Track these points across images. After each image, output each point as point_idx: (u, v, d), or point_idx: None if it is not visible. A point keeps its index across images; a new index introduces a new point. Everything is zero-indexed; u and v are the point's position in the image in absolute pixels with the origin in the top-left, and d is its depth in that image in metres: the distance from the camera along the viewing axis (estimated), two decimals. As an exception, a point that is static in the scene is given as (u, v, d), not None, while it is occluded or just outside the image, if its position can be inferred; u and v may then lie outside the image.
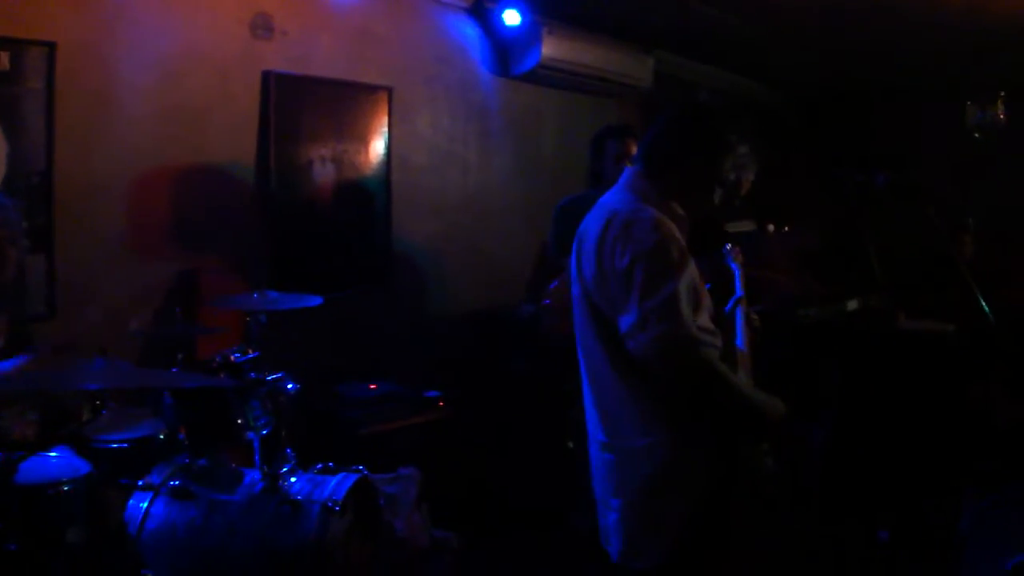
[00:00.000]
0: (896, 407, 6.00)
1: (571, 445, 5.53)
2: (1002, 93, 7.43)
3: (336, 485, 3.41)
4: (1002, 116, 7.41)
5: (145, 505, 3.43)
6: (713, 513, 2.86)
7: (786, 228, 5.30)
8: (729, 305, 3.30)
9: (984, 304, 5.43)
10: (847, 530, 5.45)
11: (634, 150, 5.24)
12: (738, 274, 3.50)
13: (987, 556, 3.96)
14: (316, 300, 4.14)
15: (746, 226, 6.06)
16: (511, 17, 6.38)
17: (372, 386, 5.42)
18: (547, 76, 6.82)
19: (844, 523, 5.52)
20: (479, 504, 5.23)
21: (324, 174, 5.65)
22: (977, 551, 4.04)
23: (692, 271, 2.81)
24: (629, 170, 2.99)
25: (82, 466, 3.25)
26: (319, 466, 3.67)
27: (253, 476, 3.63)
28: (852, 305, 6.62)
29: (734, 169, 2.95)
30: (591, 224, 2.90)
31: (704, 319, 2.85)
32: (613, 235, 2.76)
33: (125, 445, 3.70)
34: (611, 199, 2.94)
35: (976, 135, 7.55)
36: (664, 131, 2.96)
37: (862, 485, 5.77)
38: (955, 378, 6.05)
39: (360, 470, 3.61)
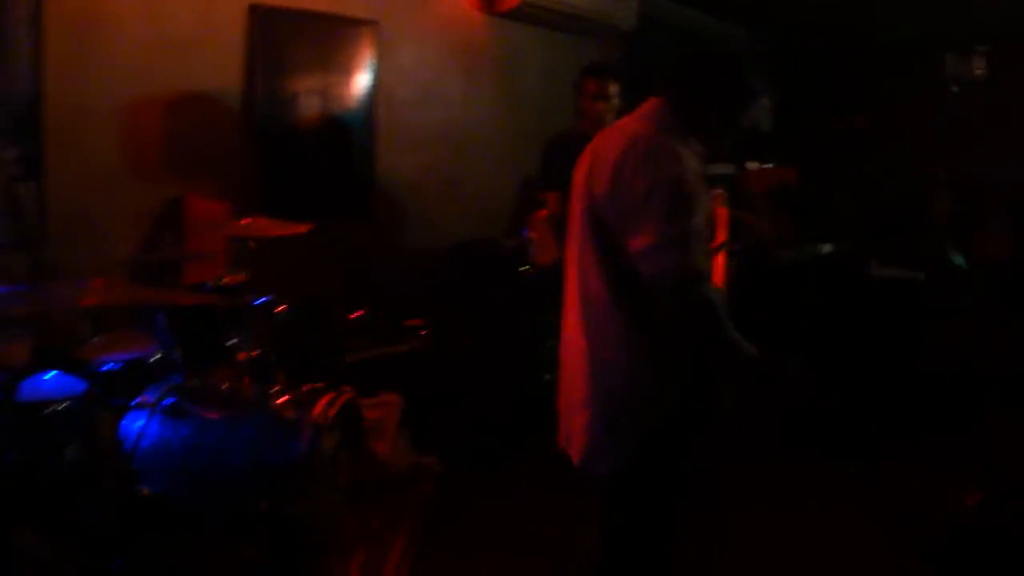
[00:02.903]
0: (865, 347, 6.15)
1: (548, 378, 5.67)
2: (981, 47, 7.50)
3: (326, 404, 3.50)
4: (980, 70, 7.48)
5: (140, 424, 3.49)
6: (673, 431, 3.04)
7: (768, 165, 5.42)
8: (713, 247, 3.43)
9: (952, 255, 5.58)
10: (814, 465, 5.62)
11: (612, 89, 5.36)
12: (723, 217, 3.61)
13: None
14: (305, 226, 4.22)
15: (725, 168, 6.15)
16: (496, -47, 6.41)
17: (355, 314, 5.50)
18: (530, 14, 6.85)
19: (812, 458, 5.70)
20: (458, 431, 5.34)
21: (309, 106, 5.70)
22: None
23: (706, 206, 2.95)
24: (654, 100, 3.10)
25: (78, 386, 3.35)
26: (308, 387, 3.76)
27: (244, 395, 3.73)
28: (826, 249, 6.75)
29: (752, 117, 3.10)
30: (607, 145, 2.99)
31: (704, 250, 2.98)
32: (635, 159, 2.86)
33: (119, 366, 3.79)
34: (632, 125, 3.04)
35: (954, 88, 7.63)
36: (696, 72, 3.07)
37: (831, 421, 5.93)
38: (924, 320, 6.19)
39: (348, 391, 3.70)
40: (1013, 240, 6.35)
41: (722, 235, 3.52)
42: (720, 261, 3.43)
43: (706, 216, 2.96)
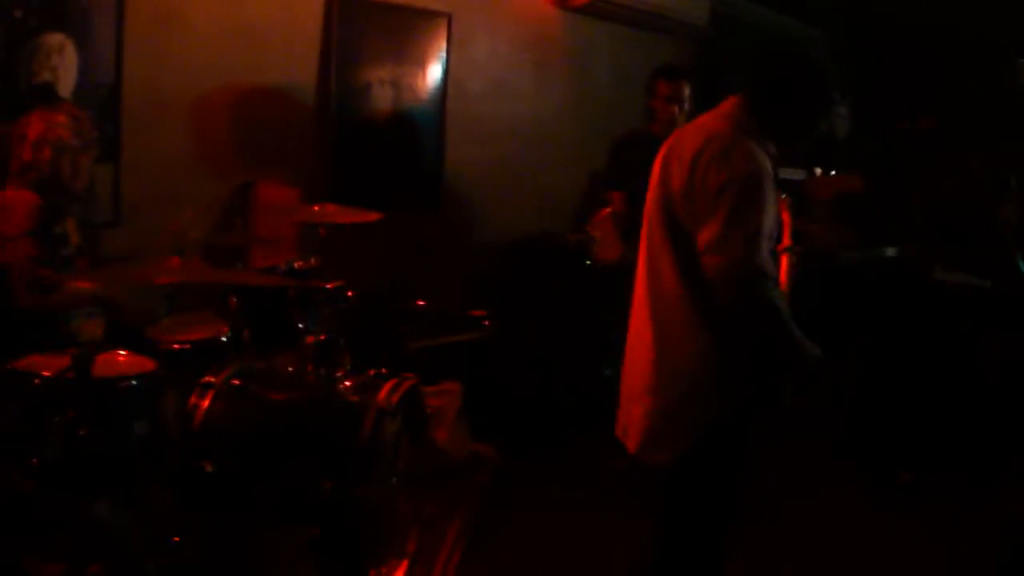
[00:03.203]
0: (924, 354, 6.09)
1: (608, 372, 5.70)
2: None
3: (390, 390, 3.54)
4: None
5: (206, 403, 3.56)
6: (735, 427, 3.08)
7: (832, 172, 5.39)
8: (779, 249, 3.45)
9: (1020, 264, 5.49)
10: (870, 469, 5.60)
11: (685, 92, 5.37)
12: (787, 222, 3.64)
13: None
14: (375, 215, 4.28)
15: (796, 174, 6.14)
16: (572, -52, 6.43)
17: (420, 303, 5.56)
18: (603, 9, 6.87)
19: (867, 462, 5.68)
20: (517, 422, 5.38)
21: (382, 97, 5.77)
22: None
23: (776, 208, 2.98)
24: (732, 99, 3.13)
25: (148, 364, 3.44)
26: (373, 372, 3.83)
27: (310, 378, 3.81)
28: (890, 252, 6.69)
29: (829, 124, 3.13)
30: (684, 142, 3.04)
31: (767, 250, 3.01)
32: (710, 156, 2.90)
33: (188, 346, 3.88)
34: (710, 123, 3.08)
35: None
36: (778, 77, 3.09)
37: (887, 426, 5.90)
38: (987, 328, 6.13)
39: (411, 377, 3.75)
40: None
41: (787, 239, 3.54)
42: (784, 264, 3.45)
43: (774, 218, 2.99)
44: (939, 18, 8.10)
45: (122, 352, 3.50)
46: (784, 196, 3.68)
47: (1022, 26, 7.60)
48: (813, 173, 5.34)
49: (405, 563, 3.82)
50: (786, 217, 3.62)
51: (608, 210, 5.58)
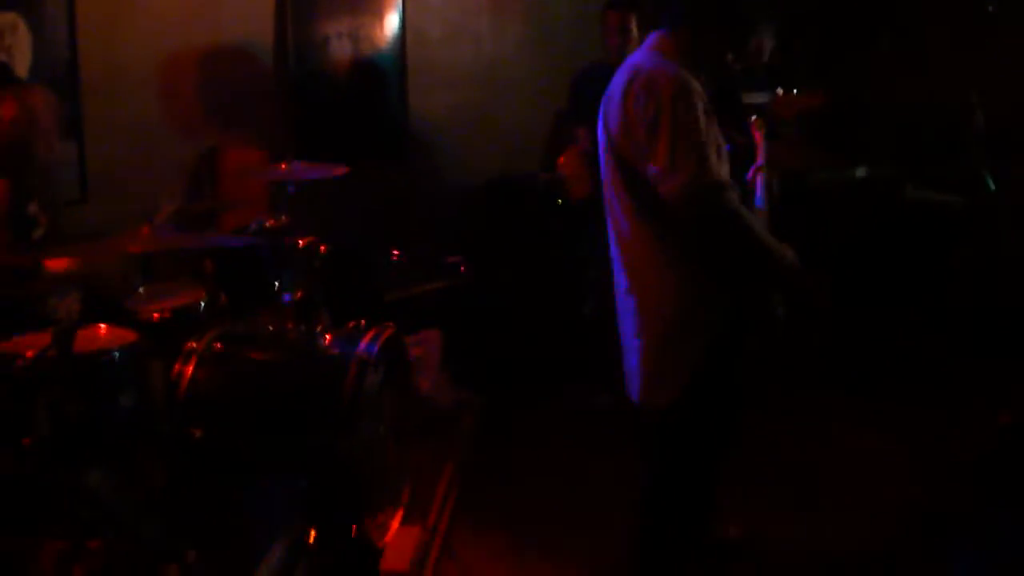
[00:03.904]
0: (898, 271, 6.16)
1: (587, 311, 5.73)
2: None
3: (370, 341, 3.57)
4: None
5: (190, 369, 3.59)
6: (725, 352, 3.09)
7: (795, 91, 5.40)
8: (750, 173, 3.47)
9: (988, 177, 5.55)
10: (846, 389, 5.69)
11: (632, 22, 5.38)
12: (760, 144, 3.65)
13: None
14: (341, 168, 4.29)
15: (762, 97, 6.15)
16: None
17: (394, 253, 5.57)
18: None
19: (843, 383, 5.75)
20: (498, 366, 5.44)
21: (340, 49, 5.76)
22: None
23: (715, 128, 2.98)
24: (653, 33, 3.13)
25: (129, 336, 3.46)
26: (352, 325, 3.83)
27: (290, 336, 3.83)
28: (860, 172, 6.72)
29: (751, 39, 3.13)
30: (617, 81, 3.03)
31: (725, 171, 3.02)
32: (637, 90, 2.89)
33: (167, 315, 3.88)
34: (636, 58, 3.08)
35: (989, 7, 7.48)
36: (689, 3, 3.08)
37: (863, 343, 5.97)
38: (959, 244, 6.19)
39: (391, 326, 3.78)
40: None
41: (760, 159, 3.55)
42: (759, 184, 3.46)
43: (716, 135, 2.99)
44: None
45: (102, 326, 3.51)
46: (755, 117, 3.70)
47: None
48: (776, 94, 5.36)
49: (400, 511, 3.87)
50: (758, 137, 3.64)
51: (576, 147, 5.59)
